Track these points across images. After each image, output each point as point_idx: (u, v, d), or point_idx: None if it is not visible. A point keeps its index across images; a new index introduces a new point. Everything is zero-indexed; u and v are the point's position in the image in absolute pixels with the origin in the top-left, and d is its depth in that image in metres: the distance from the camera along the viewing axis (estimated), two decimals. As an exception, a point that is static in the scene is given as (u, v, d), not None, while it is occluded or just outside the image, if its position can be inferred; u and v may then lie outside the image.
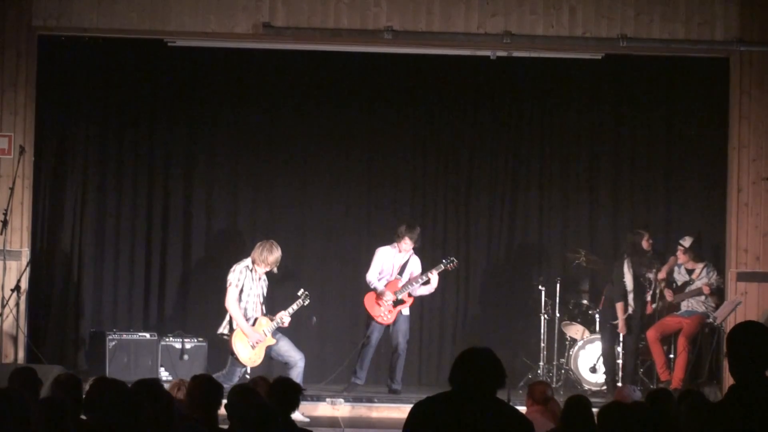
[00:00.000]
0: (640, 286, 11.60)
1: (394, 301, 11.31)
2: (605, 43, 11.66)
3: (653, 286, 11.71)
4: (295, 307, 10.77)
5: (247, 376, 10.45)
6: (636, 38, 11.55)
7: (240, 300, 10.55)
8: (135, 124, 12.60)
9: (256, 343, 10.48)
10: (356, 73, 12.69)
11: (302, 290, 10.91)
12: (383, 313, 11.31)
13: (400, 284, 11.35)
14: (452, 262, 11.55)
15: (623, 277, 11.60)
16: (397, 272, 11.43)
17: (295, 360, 10.48)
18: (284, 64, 12.50)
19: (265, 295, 10.72)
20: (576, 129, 12.88)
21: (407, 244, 11.38)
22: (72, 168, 12.42)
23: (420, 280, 11.39)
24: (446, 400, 4.57)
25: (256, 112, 12.70)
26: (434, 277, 11.41)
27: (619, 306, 11.59)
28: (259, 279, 10.62)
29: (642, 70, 12.57)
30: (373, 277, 11.41)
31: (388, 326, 11.40)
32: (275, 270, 10.70)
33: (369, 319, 11.41)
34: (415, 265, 11.52)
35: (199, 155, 12.72)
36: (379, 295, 11.30)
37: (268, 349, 10.58)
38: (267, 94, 12.68)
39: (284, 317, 10.65)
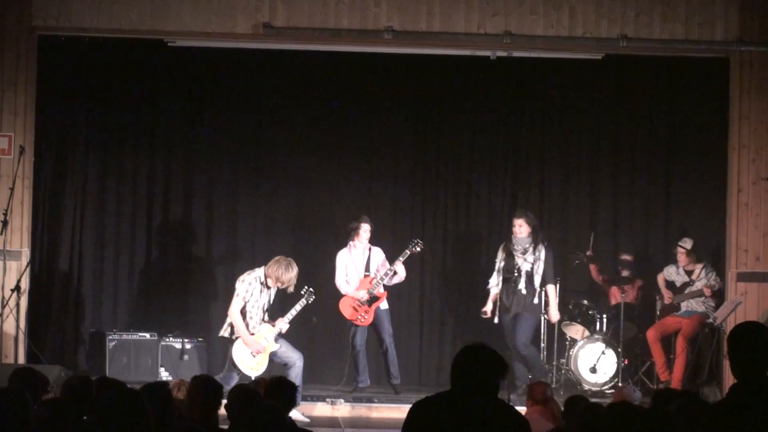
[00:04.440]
0: (508, 273, 11.37)
1: (368, 300, 11.30)
2: (605, 43, 11.66)
3: (517, 275, 11.35)
4: (298, 307, 10.63)
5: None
6: (636, 38, 11.54)
7: (244, 310, 10.46)
8: (135, 124, 12.61)
9: (257, 352, 10.41)
10: (356, 73, 12.69)
11: (306, 287, 10.76)
12: (360, 315, 11.30)
13: (372, 281, 11.32)
14: (417, 244, 11.43)
15: (496, 258, 11.54)
16: (363, 270, 11.41)
17: (294, 360, 10.44)
18: (284, 64, 12.50)
19: (271, 303, 10.59)
20: (576, 129, 12.88)
21: (365, 232, 11.33)
22: (72, 168, 12.43)
23: (389, 272, 11.33)
24: (445, 399, 4.57)
25: (256, 112, 12.71)
26: (400, 266, 11.30)
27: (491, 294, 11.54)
28: (268, 289, 10.47)
29: (642, 70, 12.57)
30: (341, 281, 11.39)
31: (369, 326, 11.40)
32: (290, 289, 10.47)
33: (349, 324, 11.41)
34: (378, 257, 11.45)
35: (199, 155, 12.72)
36: (352, 298, 11.30)
37: (270, 354, 10.53)
38: (267, 94, 12.68)
39: (283, 325, 10.56)
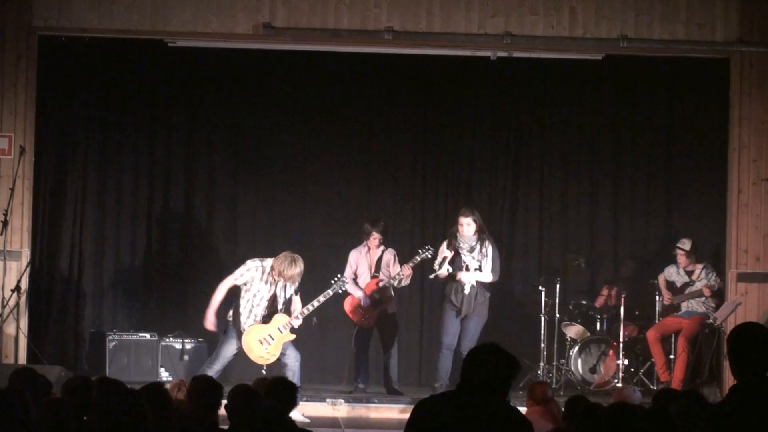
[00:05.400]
0: (456, 265, 11.12)
1: (372, 302, 11.29)
2: (605, 44, 11.66)
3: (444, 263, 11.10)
4: (321, 299, 10.59)
5: (263, 372, 10.33)
6: (636, 39, 11.55)
7: (244, 299, 10.41)
8: (135, 124, 12.61)
9: (242, 343, 10.36)
10: (356, 73, 12.69)
11: (338, 276, 10.79)
12: (364, 317, 11.29)
13: (380, 283, 11.29)
14: (428, 250, 11.26)
15: (437, 251, 11.26)
16: (372, 270, 11.38)
17: (291, 359, 10.44)
18: (284, 64, 12.51)
19: (286, 298, 10.51)
20: (576, 129, 12.88)
21: (375, 238, 11.31)
22: (72, 168, 12.43)
23: (397, 277, 11.25)
24: (449, 398, 4.58)
25: (255, 112, 12.71)
26: (408, 270, 11.18)
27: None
28: (274, 284, 10.42)
29: (642, 70, 12.57)
30: (348, 280, 11.35)
31: (372, 328, 11.40)
32: (290, 285, 10.44)
33: (352, 324, 11.40)
34: (389, 259, 11.41)
35: (198, 155, 12.72)
36: (356, 299, 11.29)
37: None
38: (267, 94, 12.69)
39: (294, 321, 10.44)
